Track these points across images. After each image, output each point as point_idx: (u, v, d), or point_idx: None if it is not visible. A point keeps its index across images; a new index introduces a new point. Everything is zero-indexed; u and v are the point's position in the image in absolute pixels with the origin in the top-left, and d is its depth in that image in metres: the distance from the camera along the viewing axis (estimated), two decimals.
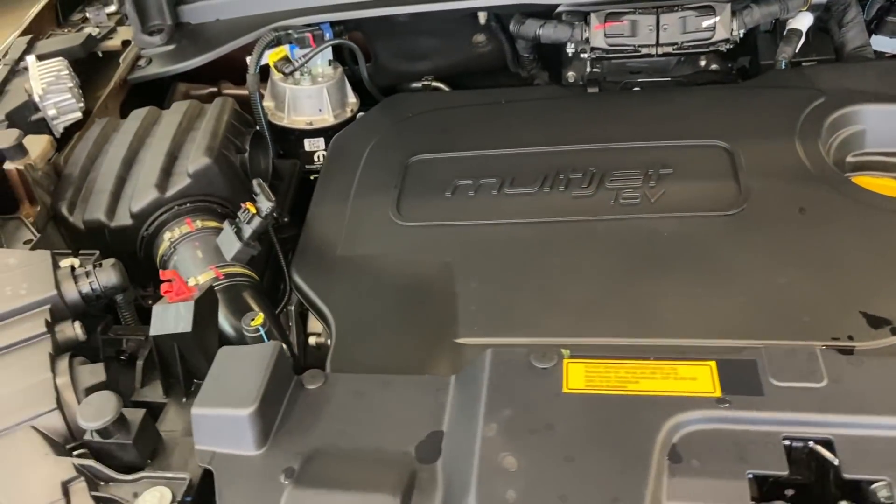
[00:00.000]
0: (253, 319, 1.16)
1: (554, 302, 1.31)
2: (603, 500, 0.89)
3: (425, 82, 2.10)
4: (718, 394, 0.97)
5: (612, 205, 1.47)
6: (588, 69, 1.99)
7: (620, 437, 0.95)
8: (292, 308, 1.55)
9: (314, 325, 1.49)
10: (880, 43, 1.87)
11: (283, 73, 1.82)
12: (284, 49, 1.84)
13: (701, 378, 1.00)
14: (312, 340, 1.47)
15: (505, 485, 0.91)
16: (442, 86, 2.10)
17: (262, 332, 1.16)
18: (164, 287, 1.22)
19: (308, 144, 1.93)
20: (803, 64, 1.92)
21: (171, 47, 1.98)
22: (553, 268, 1.37)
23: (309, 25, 1.89)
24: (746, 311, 1.24)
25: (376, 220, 1.54)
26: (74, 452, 1.07)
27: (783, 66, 1.79)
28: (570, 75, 2.06)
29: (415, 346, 1.30)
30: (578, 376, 1.02)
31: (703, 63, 1.98)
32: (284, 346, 1.26)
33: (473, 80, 2.16)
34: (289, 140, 1.94)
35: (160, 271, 1.26)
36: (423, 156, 1.67)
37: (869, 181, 1.54)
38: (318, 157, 1.93)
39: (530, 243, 1.43)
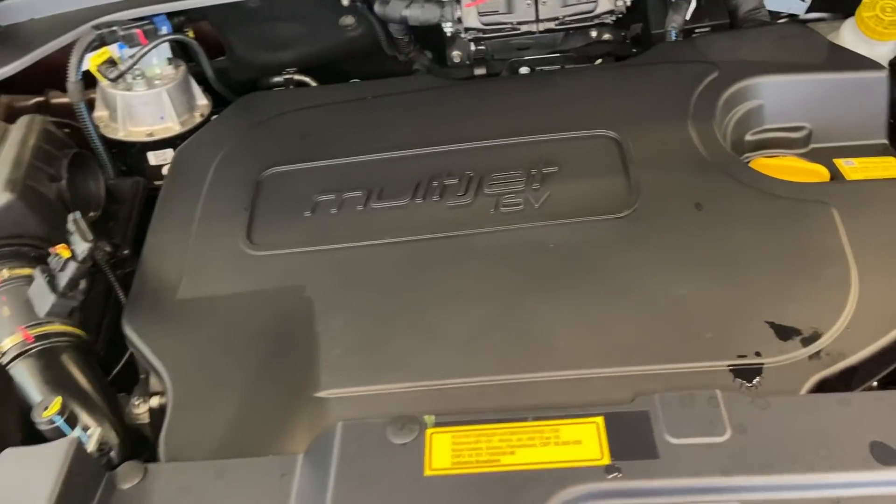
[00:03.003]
0: (46, 408, 0.93)
1: (431, 336, 1.13)
2: None
3: (287, 76, 1.85)
4: (607, 460, 0.81)
5: (492, 214, 1.29)
6: (473, 48, 1.80)
7: None
8: None
9: (157, 382, 1.26)
10: (773, 3, 1.73)
11: (109, 79, 1.55)
12: (109, 50, 1.57)
13: (587, 441, 0.83)
14: (155, 402, 1.24)
15: None
16: (306, 79, 1.86)
17: (58, 422, 0.93)
18: None
19: (153, 158, 1.67)
20: (696, 31, 1.78)
21: None
22: (429, 295, 1.19)
23: (140, 19, 1.62)
24: (645, 330, 1.08)
25: (224, 251, 1.32)
26: None
27: (673, 37, 1.63)
28: (456, 55, 1.87)
29: (268, 408, 1.09)
30: (444, 452, 0.85)
31: (594, 34, 1.82)
32: (108, 428, 1.05)
33: (349, 68, 1.92)
34: (130, 154, 1.68)
35: None
36: (278, 168, 1.44)
37: (768, 162, 1.41)
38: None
39: (402, 267, 1.24)
